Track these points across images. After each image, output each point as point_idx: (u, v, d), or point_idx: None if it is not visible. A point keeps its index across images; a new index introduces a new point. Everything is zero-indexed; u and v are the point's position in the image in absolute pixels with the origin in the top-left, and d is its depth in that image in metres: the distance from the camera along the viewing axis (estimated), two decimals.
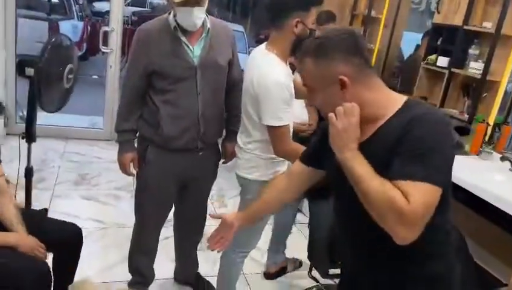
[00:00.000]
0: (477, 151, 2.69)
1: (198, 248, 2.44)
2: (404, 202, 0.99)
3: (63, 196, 3.30)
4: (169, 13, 1.91)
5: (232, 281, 2.17)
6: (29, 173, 2.51)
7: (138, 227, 2.22)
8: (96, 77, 7.33)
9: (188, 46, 1.91)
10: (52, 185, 3.42)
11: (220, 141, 2.22)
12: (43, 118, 3.35)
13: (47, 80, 2.25)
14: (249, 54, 2.11)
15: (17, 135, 2.42)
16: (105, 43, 4.31)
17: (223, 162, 2.27)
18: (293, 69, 1.94)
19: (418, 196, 0.99)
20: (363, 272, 1.29)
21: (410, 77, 3.87)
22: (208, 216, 2.30)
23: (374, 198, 1.03)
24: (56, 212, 2.85)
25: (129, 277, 2.30)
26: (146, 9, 11.77)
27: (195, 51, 1.92)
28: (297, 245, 2.76)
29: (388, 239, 1.03)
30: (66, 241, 1.93)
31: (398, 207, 0.99)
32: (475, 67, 3.06)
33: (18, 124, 4.18)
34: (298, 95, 1.91)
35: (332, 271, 2.03)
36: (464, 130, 2.84)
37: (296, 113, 2.08)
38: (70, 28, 7.64)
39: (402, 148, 1.05)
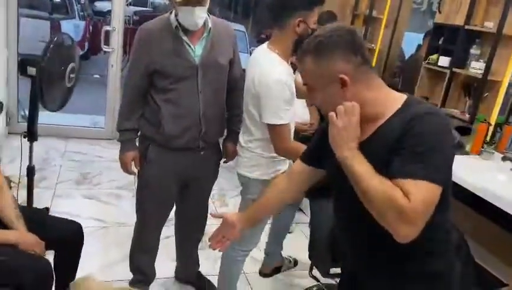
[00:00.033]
0: (479, 151, 2.68)
1: (199, 247, 2.45)
2: (405, 200, 0.99)
3: (64, 195, 3.30)
4: (171, 12, 1.92)
5: (233, 279, 2.17)
6: (31, 171, 2.52)
7: (139, 226, 2.23)
8: (97, 76, 7.34)
9: (190, 46, 1.91)
10: (53, 184, 3.43)
11: (221, 140, 2.23)
12: (44, 117, 3.36)
13: (49, 79, 2.26)
14: (250, 53, 2.12)
15: (19, 134, 2.44)
16: (107, 43, 4.31)
17: (224, 162, 2.27)
18: (295, 68, 1.94)
19: (418, 194, 1.00)
20: (363, 271, 1.30)
21: (412, 76, 3.87)
22: (209, 215, 2.30)
23: (374, 197, 1.03)
24: (57, 211, 2.85)
25: (130, 275, 2.31)
26: (148, 8, 11.78)
27: (196, 50, 1.92)
28: (298, 244, 2.76)
29: (388, 238, 1.04)
30: (67, 238, 1.93)
31: (398, 205, 0.99)
32: (476, 67, 3.06)
33: (20, 123, 4.20)
34: (299, 95, 1.91)
35: (333, 270, 2.03)
36: (465, 130, 2.84)
37: (297, 113, 2.08)
38: (72, 27, 7.65)
39: (402, 147, 1.05)
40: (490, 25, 3.03)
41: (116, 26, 4.28)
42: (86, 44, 8.23)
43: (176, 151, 2.01)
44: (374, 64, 4.10)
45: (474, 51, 3.15)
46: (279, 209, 1.56)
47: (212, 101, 2.00)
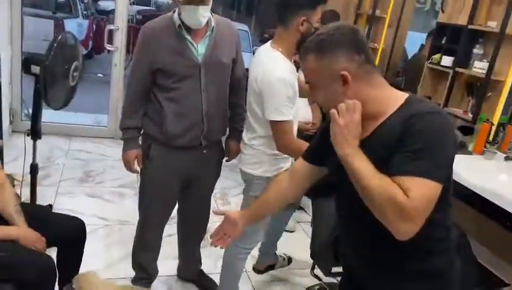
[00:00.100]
0: (481, 151, 2.68)
1: (201, 245, 2.45)
2: (404, 198, 1.00)
3: (67, 193, 3.31)
4: (174, 11, 1.92)
5: (235, 277, 2.18)
6: (34, 169, 2.53)
7: (142, 224, 2.23)
8: (101, 75, 7.37)
9: (193, 44, 1.92)
10: (56, 182, 3.44)
11: (223, 139, 2.23)
12: (48, 115, 3.38)
13: (52, 77, 2.27)
14: (253, 53, 2.13)
15: (23, 132, 2.45)
16: (110, 42, 4.33)
17: (227, 160, 2.28)
18: (298, 67, 1.95)
19: (418, 192, 1.00)
20: (364, 270, 1.30)
21: (414, 76, 3.86)
22: (211, 213, 2.31)
23: (374, 194, 1.03)
24: (60, 209, 2.86)
25: (133, 273, 2.32)
26: (151, 7, 11.81)
27: (199, 49, 1.93)
28: (300, 243, 2.77)
29: (389, 237, 1.04)
30: (70, 234, 1.94)
31: (398, 203, 1.00)
32: (479, 67, 3.05)
33: (23, 121, 4.21)
34: (301, 93, 1.92)
35: (334, 269, 2.03)
36: (467, 130, 2.84)
37: (300, 112, 2.09)
38: (76, 26, 7.68)
39: (402, 145, 1.05)
40: (493, 25, 3.03)
41: (120, 25, 4.29)
42: (90, 43, 8.27)
43: (179, 149, 2.01)
44: (377, 63, 4.09)
45: (477, 50, 3.14)
46: (280, 207, 1.56)
47: (215, 100, 2.01)
